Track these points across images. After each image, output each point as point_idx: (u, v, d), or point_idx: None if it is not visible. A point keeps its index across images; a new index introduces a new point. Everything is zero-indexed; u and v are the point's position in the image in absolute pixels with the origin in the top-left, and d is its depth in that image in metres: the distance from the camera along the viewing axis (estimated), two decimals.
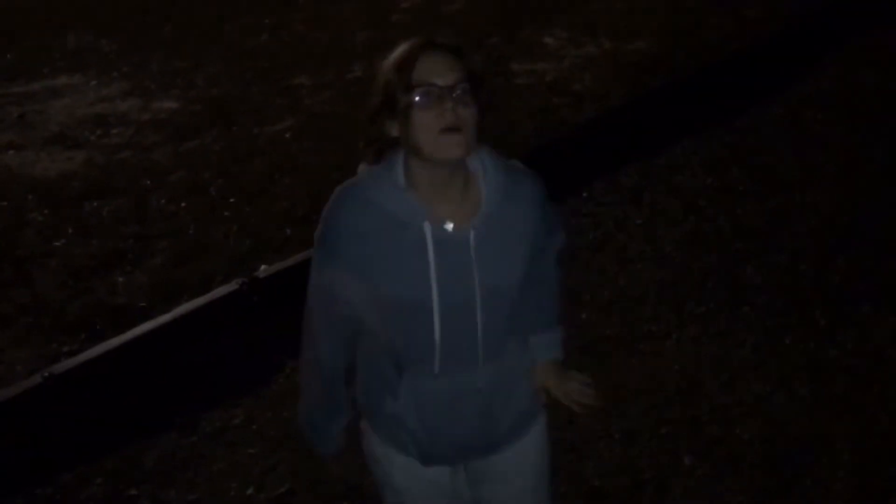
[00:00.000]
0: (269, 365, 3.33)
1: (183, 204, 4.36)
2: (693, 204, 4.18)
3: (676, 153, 4.64)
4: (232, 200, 4.39)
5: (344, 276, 1.61)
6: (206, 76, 6.03)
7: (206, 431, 3.08)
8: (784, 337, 3.29)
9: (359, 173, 1.62)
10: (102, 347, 3.26)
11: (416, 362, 1.65)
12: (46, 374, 3.10)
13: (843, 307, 3.41)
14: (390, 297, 1.59)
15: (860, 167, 4.39)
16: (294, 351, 3.33)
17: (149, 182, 4.59)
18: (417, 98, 1.48)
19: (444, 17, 7.00)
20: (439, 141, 1.49)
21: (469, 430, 1.73)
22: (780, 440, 2.86)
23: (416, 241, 1.56)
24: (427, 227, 1.56)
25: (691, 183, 4.36)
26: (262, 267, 3.70)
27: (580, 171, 4.45)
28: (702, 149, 4.68)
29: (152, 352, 3.32)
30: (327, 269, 1.64)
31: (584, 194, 4.33)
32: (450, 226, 1.57)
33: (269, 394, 3.23)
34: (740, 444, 2.85)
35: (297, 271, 3.68)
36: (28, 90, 5.90)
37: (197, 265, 3.87)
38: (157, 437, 3.04)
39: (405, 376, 1.68)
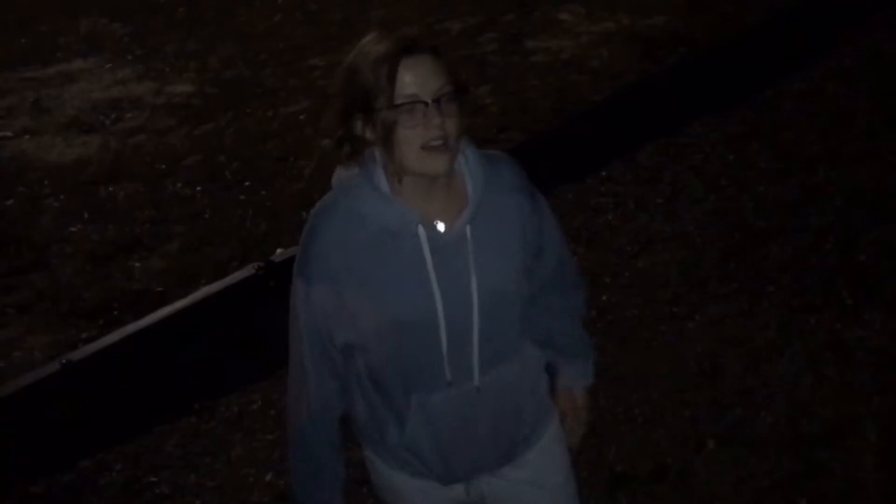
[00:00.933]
0: (287, 349, 3.30)
1: (198, 188, 4.34)
2: (714, 182, 4.11)
3: (696, 130, 4.56)
4: (247, 184, 4.36)
5: (338, 301, 1.48)
6: (219, 58, 6.00)
7: (224, 417, 3.07)
8: (809, 317, 3.23)
9: (334, 183, 1.51)
10: (120, 333, 3.24)
11: (425, 379, 1.55)
12: (65, 361, 3.09)
13: (870, 286, 3.34)
14: (392, 314, 1.49)
15: (885, 143, 4.29)
16: None
17: (164, 166, 4.57)
18: (403, 115, 1.39)
19: None
20: (424, 157, 1.41)
21: (485, 440, 1.63)
22: (806, 423, 2.81)
23: (411, 250, 1.47)
24: (421, 232, 1.46)
25: (712, 161, 4.29)
26: (279, 250, 3.67)
27: (599, 150, 4.38)
28: (722, 125, 4.60)
29: (170, 337, 3.30)
30: (317, 299, 1.50)
31: (603, 173, 4.26)
32: (441, 226, 1.49)
33: (287, 378, 3.21)
34: (765, 427, 2.81)
35: None
36: (43, 75, 5.89)
37: (213, 249, 3.85)
38: (176, 422, 3.04)
39: (414, 398, 1.56)
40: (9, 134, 5.04)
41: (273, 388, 3.16)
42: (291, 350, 1.63)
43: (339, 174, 1.51)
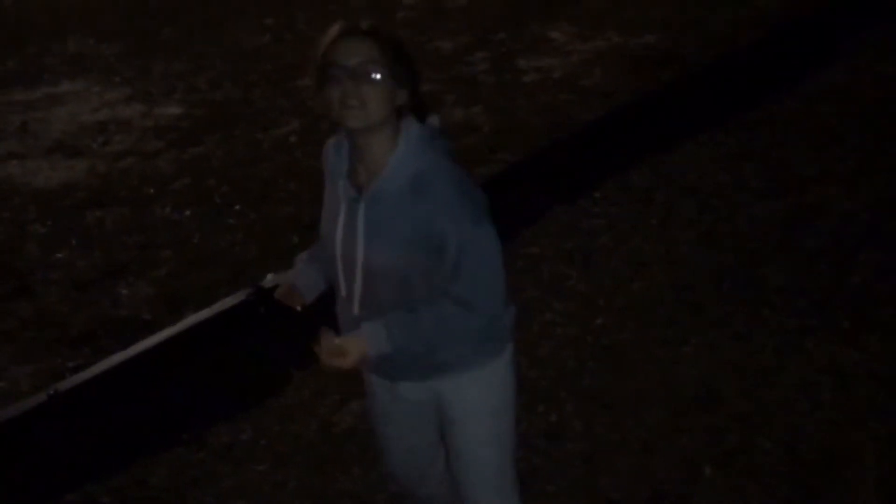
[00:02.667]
0: (277, 377, 3.26)
1: (187, 212, 4.30)
2: (708, 203, 4.09)
3: (689, 150, 4.55)
4: (237, 207, 4.32)
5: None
6: (208, 80, 5.96)
7: (213, 447, 3.01)
8: (805, 340, 3.20)
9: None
10: (108, 363, 3.18)
11: (338, 291, 1.96)
12: (52, 392, 3.03)
13: (866, 309, 3.32)
14: (323, 232, 1.94)
15: (879, 163, 4.29)
16: (302, 362, 3.30)
17: (152, 190, 4.53)
18: (332, 79, 1.73)
19: (449, 13, 6.91)
20: (341, 112, 1.74)
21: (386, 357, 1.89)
22: (804, 448, 2.78)
23: (337, 192, 1.88)
24: (342, 185, 1.86)
25: (705, 181, 4.27)
26: (269, 276, 3.62)
27: (591, 171, 4.36)
28: (715, 145, 4.59)
29: (158, 365, 3.25)
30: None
31: (596, 194, 4.24)
32: (352, 189, 1.84)
33: (278, 406, 3.17)
34: (762, 453, 2.77)
35: None
36: (29, 98, 5.84)
37: (202, 274, 3.80)
38: (165, 453, 2.98)
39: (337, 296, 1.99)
40: None
41: (263, 417, 3.11)
42: None
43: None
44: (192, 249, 4.00)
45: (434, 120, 1.89)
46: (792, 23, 5.69)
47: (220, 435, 3.05)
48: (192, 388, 3.20)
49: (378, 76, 1.73)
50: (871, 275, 3.50)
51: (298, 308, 2.03)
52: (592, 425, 2.94)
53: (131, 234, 4.13)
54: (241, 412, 3.13)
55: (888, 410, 2.88)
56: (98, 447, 2.98)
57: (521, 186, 4.10)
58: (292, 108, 5.38)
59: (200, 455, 2.98)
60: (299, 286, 2.04)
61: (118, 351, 3.25)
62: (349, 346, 1.84)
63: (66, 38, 6.92)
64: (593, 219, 4.07)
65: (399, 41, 1.81)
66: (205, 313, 3.44)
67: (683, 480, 2.71)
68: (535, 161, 4.39)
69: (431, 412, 2.09)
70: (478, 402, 2.03)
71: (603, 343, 3.31)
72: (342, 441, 2.96)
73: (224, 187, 4.51)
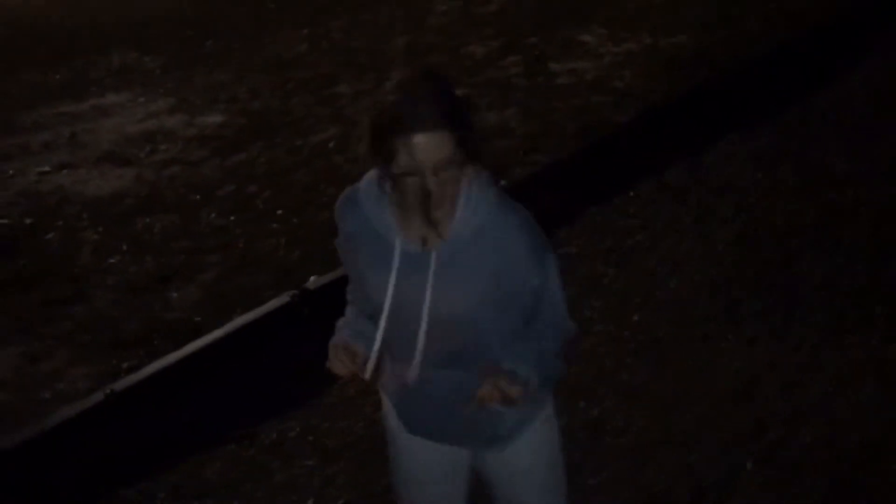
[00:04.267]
0: (323, 376, 3.31)
1: (232, 217, 4.42)
2: (743, 201, 4.12)
3: (723, 149, 4.57)
4: (279, 212, 4.43)
5: (347, 258, 1.85)
6: (248, 89, 6.10)
7: (263, 444, 3.11)
8: (843, 336, 3.22)
9: (364, 179, 1.77)
10: (161, 363, 3.31)
11: (389, 348, 1.80)
12: (108, 391, 3.16)
13: None
14: (370, 290, 1.77)
15: None
16: None
17: (198, 197, 4.66)
18: (410, 178, 1.59)
19: (480, 18, 6.99)
20: (421, 213, 1.63)
21: (440, 419, 1.85)
22: (844, 443, 2.80)
23: (386, 253, 1.70)
24: (399, 243, 1.70)
25: (740, 180, 4.30)
26: (312, 278, 3.73)
27: (625, 172, 4.41)
28: (749, 144, 4.61)
29: (208, 366, 3.37)
30: (341, 252, 1.86)
31: (631, 194, 4.29)
32: (418, 245, 1.69)
33: (324, 404, 3.26)
34: (803, 448, 2.80)
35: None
36: (77, 110, 6.02)
37: (248, 278, 3.91)
38: (217, 450, 3.08)
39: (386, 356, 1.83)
40: (47, 169, 5.15)
41: (311, 414, 3.21)
42: None
43: (369, 174, 1.75)
44: (237, 254, 4.12)
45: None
46: (825, 20, 5.69)
47: (270, 431, 3.15)
48: (241, 387, 3.32)
49: (456, 164, 1.59)
50: None
51: (366, 373, 1.78)
52: (633, 420, 2.99)
53: (179, 239, 4.25)
54: (289, 410, 3.23)
55: None
56: (153, 445, 3.09)
57: (555, 187, 4.17)
58: (330, 116, 5.50)
59: (251, 451, 3.08)
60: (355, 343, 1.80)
61: (170, 352, 3.38)
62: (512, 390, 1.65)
63: (111, 51, 7.12)
64: (629, 218, 4.12)
65: (462, 105, 1.65)
66: (251, 315, 3.55)
67: (725, 475, 2.75)
68: (570, 162, 4.45)
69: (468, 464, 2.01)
70: (537, 455, 1.96)
71: (640, 340, 3.36)
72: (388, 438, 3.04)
73: (266, 193, 4.63)
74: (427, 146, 1.56)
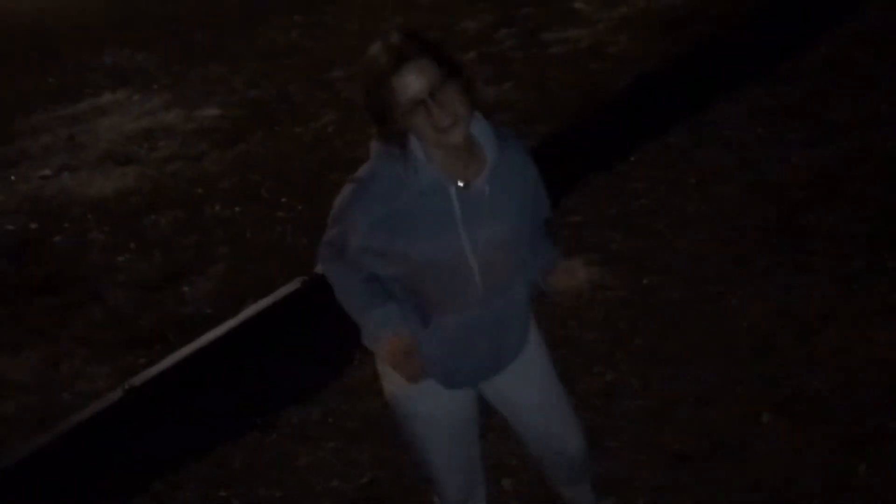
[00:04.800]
0: (339, 358, 3.38)
1: (237, 209, 4.43)
2: (746, 157, 4.11)
3: (723, 107, 4.56)
4: (284, 200, 4.44)
5: (367, 241, 1.86)
6: (243, 79, 6.09)
7: (286, 429, 3.15)
8: (854, 283, 3.23)
9: (374, 153, 1.87)
10: (177, 356, 3.33)
11: (444, 304, 1.91)
12: (128, 387, 3.19)
13: None
14: (425, 254, 1.85)
15: None
16: (361, 343, 3.41)
17: (201, 190, 4.67)
18: (413, 114, 1.73)
19: None
20: (440, 137, 1.75)
21: (482, 356, 2.01)
22: (860, 388, 2.82)
23: (444, 204, 1.83)
24: (452, 190, 1.83)
25: (742, 136, 4.29)
26: None
27: (627, 136, 4.40)
28: (749, 99, 4.59)
29: (225, 356, 3.39)
30: (352, 233, 1.88)
31: (633, 158, 4.28)
32: (461, 184, 1.84)
33: (342, 386, 3.29)
34: (819, 397, 2.82)
35: None
36: (74, 111, 6.02)
37: (257, 268, 3.93)
38: (240, 438, 3.12)
39: (432, 318, 1.94)
40: (48, 172, 5.17)
41: (330, 397, 3.24)
42: (323, 258, 2.05)
43: (377, 146, 1.87)
44: (245, 244, 4.13)
45: None
46: None
47: (291, 417, 3.19)
48: (259, 376, 3.34)
49: (453, 87, 1.74)
50: None
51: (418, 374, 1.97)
52: (649, 382, 3.01)
53: (187, 234, 4.27)
54: (309, 394, 3.26)
55: None
56: (176, 437, 3.12)
57: (558, 157, 4.16)
58: (328, 101, 5.49)
59: (274, 437, 3.12)
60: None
61: (186, 345, 3.40)
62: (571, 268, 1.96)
63: (103, 50, 7.10)
64: (633, 182, 4.11)
65: (432, 39, 1.80)
66: (264, 303, 3.57)
67: (743, 428, 2.78)
68: (571, 131, 4.44)
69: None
70: (539, 340, 2.17)
71: (652, 302, 3.37)
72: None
73: (270, 182, 4.64)
74: (414, 73, 1.71)
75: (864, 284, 3.21)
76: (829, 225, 3.56)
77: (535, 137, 4.38)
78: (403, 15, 6.66)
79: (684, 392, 2.94)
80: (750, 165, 4.05)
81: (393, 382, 2.06)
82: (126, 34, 7.38)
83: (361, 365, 3.32)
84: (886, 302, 3.13)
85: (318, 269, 2.06)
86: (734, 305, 3.27)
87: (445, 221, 1.83)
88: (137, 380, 3.24)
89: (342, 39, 6.47)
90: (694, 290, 3.38)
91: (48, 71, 6.92)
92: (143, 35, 7.30)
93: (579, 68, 5.25)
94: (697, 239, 3.65)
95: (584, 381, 3.02)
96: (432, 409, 2.06)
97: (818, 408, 2.78)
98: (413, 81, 1.72)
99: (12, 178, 5.17)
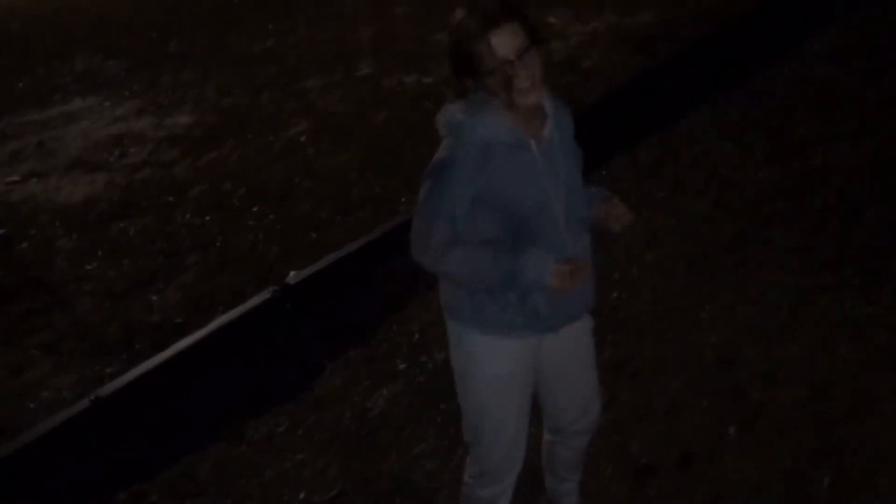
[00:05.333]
0: (309, 369, 3.37)
1: (207, 217, 4.41)
2: (714, 172, 4.17)
3: (692, 122, 4.62)
4: (255, 209, 4.43)
5: (470, 199, 1.97)
6: (216, 87, 6.07)
7: (253, 440, 3.12)
8: (819, 298, 3.28)
9: (445, 119, 1.99)
10: (145, 366, 3.31)
11: (546, 248, 2.00)
12: (93, 397, 3.15)
13: (876, 263, 3.40)
14: (521, 203, 1.98)
15: (880, 120, 4.35)
16: (331, 353, 3.41)
17: (171, 198, 4.64)
18: (500, 75, 1.86)
19: (446, 5, 6.96)
20: (523, 97, 1.90)
21: (576, 297, 2.11)
22: (825, 402, 2.86)
23: (528, 157, 1.98)
24: (532, 143, 1.98)
25: (710, 151, 4.35)
26: (292, 273, 3.73)
27: (597, 149, 4.40)
28: (717, 115, 4.66)
29: (193, 366, 3.37)
30: (457, 196, 1.97)
31: (604, 172, 4.32)
32: (538, 137, 1.99)
33: (312, 397, 3.27)
34: (785, 409, 2.86)
35: (326, 274, 3.73)
36: (44, 117, 5.96)
37: (227, 276, 3.91)
38: (207, 449, 3.09)
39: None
40: (16, 178, 5.11)
41: (299, 407, 3.22)
42: (423, 234, 2.05)
43: (448, 109, 2.00)
44: (215, 253, 4.11)
45: None
46: None
47: (259, 428, 3.16)
48: (228, 385, 3.32)
49: (536, 53, 1.89)
50: (879, 230, 3.57)
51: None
52: (618, 394, 3.03)
53: (156, 241, 4.24)
54: (277, 405, 3.23)
55: None
56: (143, 447, 3.09)
57: None
58: (301, 109, 5.49)
59: (242, 448, 3.09)
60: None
61: (153, 355, 3.37)
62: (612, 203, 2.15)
63: (74, 56, 7.04)
64: None
65: (520, 7, 1.94)
66: (234, 313, 3.55)
67: (711, 440, 2.80)
68: None
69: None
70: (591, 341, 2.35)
71: (621, 315, 3.39)
72: (377, 425, 3.07)
73: (241, 190, 4.62)
74: (504, 36, 1.86)
75: (829, 299, 3.27)
76: (795, 239, 3.62)
77: None
78: (377, 25, 6.68)
79: (651, 405, 2.96)
80: (717, 180, 4.11)
81: (473, 343, 2.14)
82: (98, 40, 7.33)
83: (331, 376, 3.32)
84: (850, 316, 3.18)
85: (432, 265, 2.07)
86: (701, 318, 3.30)
87: (533, 171, 1.98)
88: (104, 390, 3.21)
89: (316, 48, 6.48)
90: (662, 303, 3.41)
91: (18, 76, 6.84)
92: (115, 41, 7.25)
93: (552, 80, 5.27)
94: (666, 252, 3.69)
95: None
96: (503, 369, 2.16)
97: (783, 421, 2.82)
98: (506, 41, 1.86)
99: None
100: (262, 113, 5.55)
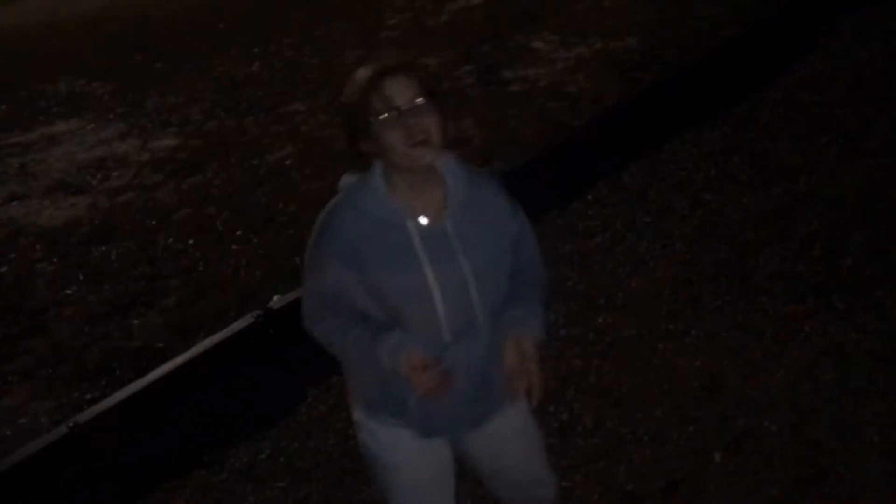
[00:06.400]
0: (291, 395, 3.33)
1: (190, 241, 4.37)
2: (699, 197, 4.18)
3: (677, 147, 4.64)
4: (238, 233, 4.40)
5: (341, 276, 1.84)
6: (201, 110, 6.06)
7: (234, 467, 3.08)
8: (803, 324, 3.28)
9: (341, 186, 1.88)
10: (124, 392, 3.25)
11: (422, 341, 1.84)
12: (72, 424, 3.10)
13: (860, 289, 3.40)
14: (390, 289, 1.82)
15: (863, 147, 4.38)
16: (314, 380, 3.37)
17: (154, 222, 4.60)
18: (384, 121, 1.73)
19: (432, 30, 7.02)
20: (411, 153, 1.74)
21: (464, 402, 1.94)
22: (809, 429, 2.85)
23: (402, 239, 1.81)
24: (410, 224, 1.81)
25: (695, 176, 4.36)
26: (275, 297, 3.69)
27: (583, 175, 4.45)
28: (702, 141, 4.68)
29: (174, 392, 3.31)
30: (329, 277, 1.86)
31: (590, 197, 4.33)
32: (425, 220, 1.82)
33: (294, 424, 3.24)
34: (769, 435, 2.85)
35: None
36: (26, 140, 5.93)
37: (210, 301, 3.88)
38: (187, 476, 3.05)
39: None
40: None
41: (281, 435, 3.18)
42: (308, 315, 1.98)
43: (345, 179, 1.89)
44: (198, 277, 4.08)
45: None
46: (768, 16, 5.80)
47: (240, 455, 3.12)
48: (208, 412, 3.27)
49: (430, 107, 1.74)
50: (863, 256, 3.58)
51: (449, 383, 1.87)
52: (602, 421, 3.01)
53: (137, 266, 4.20)
54: (259, 432, 3.20)
55: (888, 387, 2.95)
56: (122, 475, 3.04)
57: (515, 194, 4.18)
58: (286, 133, 5.48)
59: (222, 476, 3.05)
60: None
61: (133, 380, 3.32)
62: (526, 347, 1.88)
63: (58, 79, 7.02)
64: (588, 220, 4.15)
65: (424, 69, 1.86)
66: (216, 338, 3.50)
67: (695, 468, 2.78)
68: (528, 168, 4.46)
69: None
70: (525, 427, 2.12)
71: (606, 341, 3.38)
72: (360, 453, 3.02)
73: (225, 214, 4.59)
74: (396, 85, 1.73)
75: (813, 325, 3.27)
76: (779, 265, 3.62)
77: (492, 174, 4.40)
78: (363, 49, 6.70)
79: (637, 431, 2.95)
80: (702, 205, 4.12)
81: (369, 432, 2.01)
82: (82, 63, 7.32)
83: (314, 403, 3.28)
84: (834, 342, 3.18)
85: (310, 331, 1.97)
86: (686, 344, 3.30)
87: (408, 255, 1.81)
88: (82, 416, 3.15)
89: (302, 73, 6.48)
90: (647, 329, 3.40)
91: (0, 98, 6.80)
92: (99, 64, 7.23)
93: (537, 106, 5.32)
94: (651, 278, 3.69)
95: (539, 420, 2.99)
96: (408, 459, 2.00)
97: (768, 447, 2.81)
98: (394, 92, 1.74)
99: None
100: (246, 136, 5.54)
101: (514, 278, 1.94)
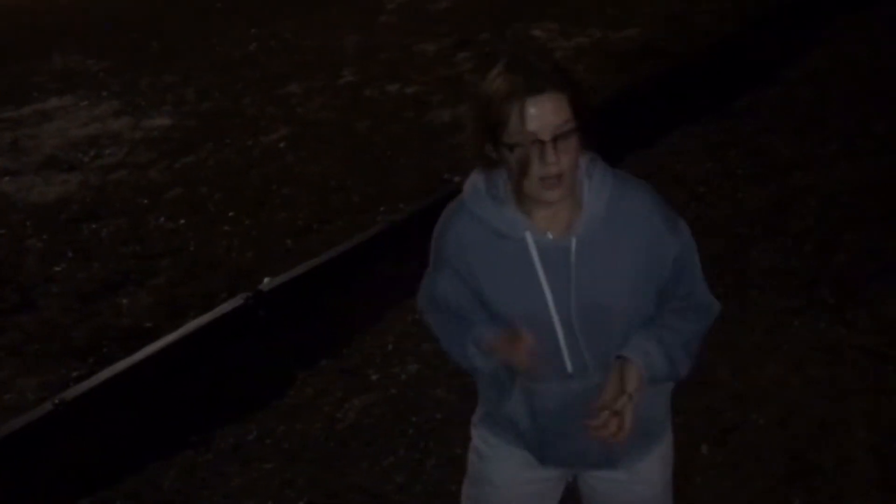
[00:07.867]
0: (280, 377, 3.32)
1: (182, 221, 4.34)
2: (694, 191, 4.17)
3: (674, 140, 4.62)
4: (231, 214, 4.37)
5: (456, 285, 1.69)
6: (196, 90, 6.00)
7: (221, 448, 3.07)
8: (794, 319, 3.28)
9: (466, 187, 1.66)
10: (111, 370, 3.25)
11: (542, 366, 1.64)
12: (57, 401, 3.08)
13: (852, 285, 3.40)
14: (501, 307, 1.64)
15: (860, 144, 4.38)
16: (303, 363, 3.36)
17: (146, 201, 4.57)
18: (523, 149, 1.49)
19: (431, 15, 6.97)
20: (539, 189, 1.52)
21: (582, 437, 1.65)
22: (797, 423, 2.85)
23: (519, 253, 1.60)
24: (529, 237, 1.60)
25: (691, 170, 4.35)
26: (266, 280, 3.68)
27: None
28: (700, 134, 4.67)
29: (162, 371, 3.31)
30: (440, 280, 1.72)
31: None
32: (550, 235, 1.60)
33: (282, 406, 3.22)
34: (757, 429, 2.85)
35: (301, 282, 3.68)
36: (19, 115, 5.87)
37: (200, 282, 3.85)
38: (173, 457, 3.03)
39: (518, 379, 1.71)
40: None
41: (268, 417, 3.17)
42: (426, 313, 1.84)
43: (472, 179, 1.66)
44: (189, 257, 4.05)
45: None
46: (770, 12, 5.79)
47: (227, 436, 3.10)
48: (197, 392, 3.26)
49: (575, 138, 1.50)
50: (856, 253, 3.58)
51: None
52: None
53: (128, 244, 4.17)
54: (246, 413, 3.18)
55: (876, 383, 2.96)
56: (108, 453, 3.03)
57: None
58: (281, 115, 5.44)
59: (209, 456, 3.03)
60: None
61: (121, 359, 3.31)
62: (629, 381, 1.59)
63: (52, 54, 6.95)
64: None
65: (574, 76, 1.57)
66: (205, 318, 3.50)
67: (682, 460, 2.75)
68: None
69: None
70: (655, 490, 1.89)
71: None
72: (347, 437, 3.02)
73: (217, 195, 4.56)
74: (542, 108, 1.46)
75: (804, 320, 3.26)
76: (771, 260, 3.62)
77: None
78: (362, 33, 6.66)
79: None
80: (697, 199, 4.11)
81: (482, 438, 1.85)
82: (78, 39, 7.24)
83: (302, 386, 3.27)
84: (824, 338, 3.18)
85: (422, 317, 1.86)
86: None
87: (527, 273, 1.60)
88: (68, 393, 3.14)
89: (299, 55, 6.44)
90: None
91: None
92: (95, 41, 7.16)
93: None
94: None
95: None
96: (506, 484, 1.83)
97: (755, 441, 2.80)
98: (538, 116, 1.46)
99: None
100: (241, 118, 5.50)
101: (662, 305, 1.68)
